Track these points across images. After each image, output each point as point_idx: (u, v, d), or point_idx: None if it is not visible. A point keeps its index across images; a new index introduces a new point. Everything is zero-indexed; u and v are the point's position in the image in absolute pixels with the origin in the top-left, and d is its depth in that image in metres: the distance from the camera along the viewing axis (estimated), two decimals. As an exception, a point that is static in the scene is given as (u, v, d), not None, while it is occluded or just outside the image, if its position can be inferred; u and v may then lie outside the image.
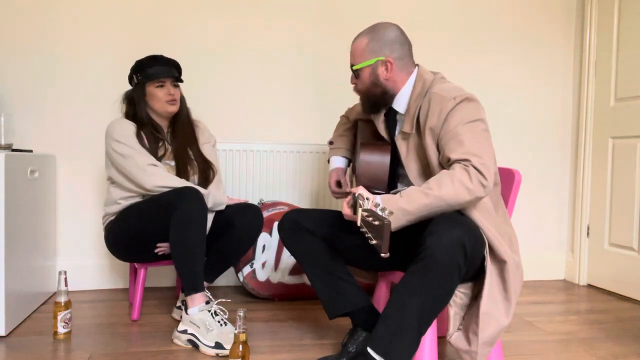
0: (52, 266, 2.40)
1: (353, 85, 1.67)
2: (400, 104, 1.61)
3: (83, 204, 2.49)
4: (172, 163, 2.01)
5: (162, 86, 1.97)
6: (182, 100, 2.07)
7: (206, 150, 2.10)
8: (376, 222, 1.15)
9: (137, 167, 1.87)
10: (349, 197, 1.44)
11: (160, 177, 1.88)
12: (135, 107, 1.99)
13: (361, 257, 1.67)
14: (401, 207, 1.36)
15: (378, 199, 1.39)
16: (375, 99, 1.62)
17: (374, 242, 1.15)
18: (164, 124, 2.06)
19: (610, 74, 2.68)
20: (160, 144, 2.00)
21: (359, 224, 1.27)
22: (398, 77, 1.59)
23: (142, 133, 1.96)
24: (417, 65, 1.63)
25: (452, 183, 1.36)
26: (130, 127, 1.95)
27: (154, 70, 1.95)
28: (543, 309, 2.34)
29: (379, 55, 1.57)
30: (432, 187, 1.37)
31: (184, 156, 2.02)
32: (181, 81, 2.04)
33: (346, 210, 1.42)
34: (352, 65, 1.62)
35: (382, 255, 1.12)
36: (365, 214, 1.22)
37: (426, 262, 1.30)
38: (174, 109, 2.00)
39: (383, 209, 1.18)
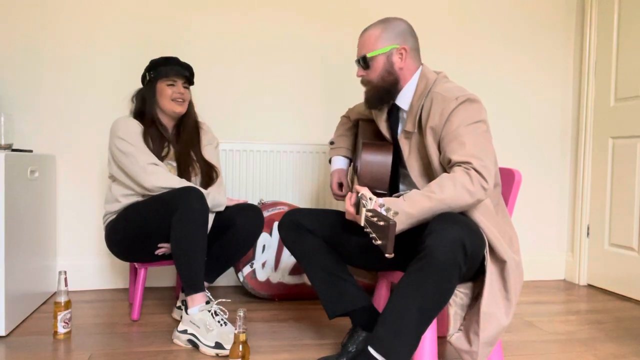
0: (52, 266, 2.40)
1: (360, 78, 1.66)
2: (403, 101, 1.61)
3: (83, 204, 2.49)
4: (174, 163, 2.01)
5: (172, 85, 2.00)
6: (191, 104, 2.09)
7: (208, 152, 2.10)
8: (381, 223, 1.14)
9: (138, 165, 1.88)
10: (352, 196, 1.43)
11: (161, 176, 1.88)
12: (144, 104, 2.01)
13: (361, 257, 1.67)
14: (404, 210, 1.36)
15: (381, 200, 1.39)
16: (385, 90, 1.61)
17: (378, 242, 1.14)
18: (170, 124, 2.07)
19: (610, 74, 2.68)
20: (165, 144, 2.01)
21: (362, 224, 1.26)
22: (409, 68, 1.59)
23: (147, 132, 1.97)
24: (422, 64, 1.63)
25: (453, 186, 1.36)
26: (135, 125, 1.96)
27: (167, 68, 1.99)
28: (543, 309, 2.34)
29: (393, 44, 1.57)
30: (434, 191, 1.37)
31: (186, 158, 2.02)
32: (192, 83, 2.08)
33: (349, 209, 1.42)
34: (363, 56, 1.60)
35: (387, 255, 1.11)
36: (369, 214, 1.21)
37: (426, 262, 1.30)
38: (180, 109, 2.01)
39: (388, 209, 1.18)
